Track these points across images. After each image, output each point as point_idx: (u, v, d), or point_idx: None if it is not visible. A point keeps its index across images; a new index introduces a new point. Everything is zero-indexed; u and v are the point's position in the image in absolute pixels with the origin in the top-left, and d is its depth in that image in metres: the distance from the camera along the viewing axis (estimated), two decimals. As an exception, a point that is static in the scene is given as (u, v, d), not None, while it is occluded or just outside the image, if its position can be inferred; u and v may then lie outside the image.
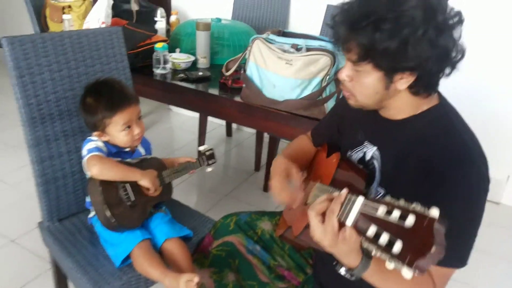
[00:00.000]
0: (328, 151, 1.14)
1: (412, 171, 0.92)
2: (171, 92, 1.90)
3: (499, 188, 2.61)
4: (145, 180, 1.27)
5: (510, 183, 2.62)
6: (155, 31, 2.23)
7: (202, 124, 2.82)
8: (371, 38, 0.82)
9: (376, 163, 1.02)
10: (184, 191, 2.54)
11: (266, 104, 1.57)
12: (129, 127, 1.29)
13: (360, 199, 0.71)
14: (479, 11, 2.31)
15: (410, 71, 0.86)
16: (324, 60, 1.43)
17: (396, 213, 0.62)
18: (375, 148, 1.04)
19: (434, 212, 0.60)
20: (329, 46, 1.44)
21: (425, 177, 0.89)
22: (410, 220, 0.60)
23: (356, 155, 1.09)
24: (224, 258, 1.23)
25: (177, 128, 3.49)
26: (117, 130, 1.28)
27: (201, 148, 1.52)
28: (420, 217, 0.59)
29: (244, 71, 1.61)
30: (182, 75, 1.88)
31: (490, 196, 0.88)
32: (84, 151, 1.26)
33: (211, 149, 1.52)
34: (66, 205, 1.45)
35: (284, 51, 1.47)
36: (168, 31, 2.44)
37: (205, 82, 1.90)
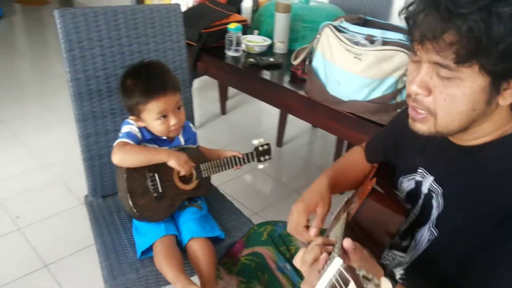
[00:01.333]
0: (377, 172, 0.93)
1: (481, 213, 0.69)
2: (238, 76, 1.77)
3: None
4: (173, 161, 1.17)
5: None
6: (239, 10, 2.11)
7: (282, 112, 2.67)
8: (487, 27, 0.58)
9: (434, 200, 0.78)
10: (258, 179, 2.47)
11: (328, 102, 1.36)
12: (165, 116, 1.20)
13: (338, 262, 0.52)
14: None
15: None
16: (400, 57, 1.17)
17: None
18: (431, 178, 0.80)
19: None
20: (409, 40, 1.18)
21: (500, 222, 0.66)
22: None
23: (407, 183, 0.86)
24: (253, 270, 1.13)
25: (263, 112, 3.39)
26: (152, 118, 1.20)
27: (255, 141, 1.37)
28: None
29: (310, 62, 1.41)
30: (252, 59, 1.74)
31: None
32: (120, 134, 1.21)
33: (266, 144, 1.38)
34: (110, 182, 1.43)
35: (355, 43, 1.24)
36: (255, 10, 2.31)
37: (276, 69, 1.74)
